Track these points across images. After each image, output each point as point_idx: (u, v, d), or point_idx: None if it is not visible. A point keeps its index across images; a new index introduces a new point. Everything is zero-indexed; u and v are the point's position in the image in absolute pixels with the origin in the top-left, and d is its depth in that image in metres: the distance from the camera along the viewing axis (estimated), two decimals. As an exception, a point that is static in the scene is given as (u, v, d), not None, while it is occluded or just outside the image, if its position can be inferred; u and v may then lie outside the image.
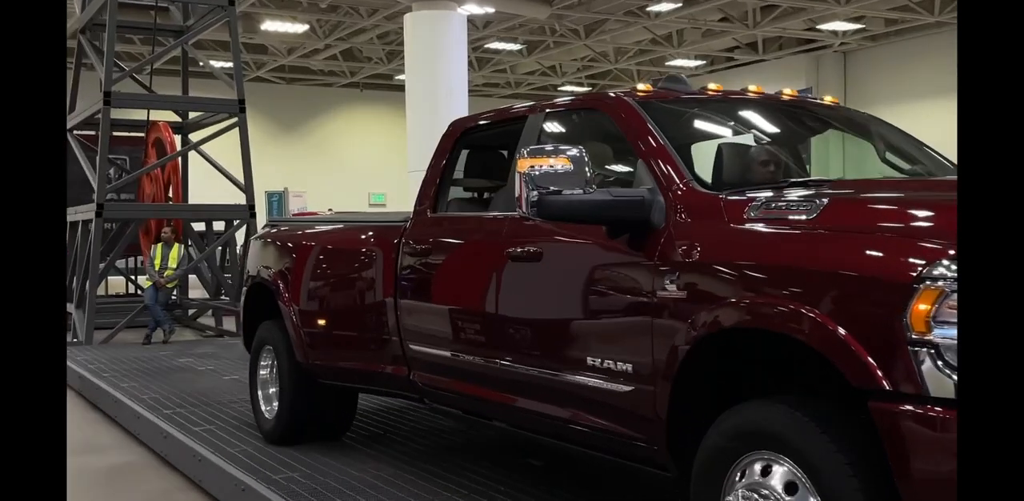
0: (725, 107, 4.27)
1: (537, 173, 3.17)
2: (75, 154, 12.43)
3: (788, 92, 4.35)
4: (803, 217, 2.80)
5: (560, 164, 3.17)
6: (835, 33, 23.96)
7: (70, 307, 11.96)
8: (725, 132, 4.16)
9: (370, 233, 4.99)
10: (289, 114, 29.74)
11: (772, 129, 4.30)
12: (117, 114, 11.50)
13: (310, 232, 5.65)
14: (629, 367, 3.19)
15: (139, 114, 12.91)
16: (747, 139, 4.07)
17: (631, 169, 3.73)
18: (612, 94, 3.93)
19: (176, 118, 13.22)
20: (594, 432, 3.43)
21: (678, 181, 3.28)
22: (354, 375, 5.03)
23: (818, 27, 23.25)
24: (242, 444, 5.57)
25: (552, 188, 3.17)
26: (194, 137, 13.04)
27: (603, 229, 3.34)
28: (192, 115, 13.12)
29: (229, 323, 12.60)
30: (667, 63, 27.87)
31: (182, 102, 12.97)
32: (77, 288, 11.80)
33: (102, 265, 11.61)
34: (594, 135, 4.10)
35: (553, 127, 4.14)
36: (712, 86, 4.22)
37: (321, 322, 5.12)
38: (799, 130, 4.36)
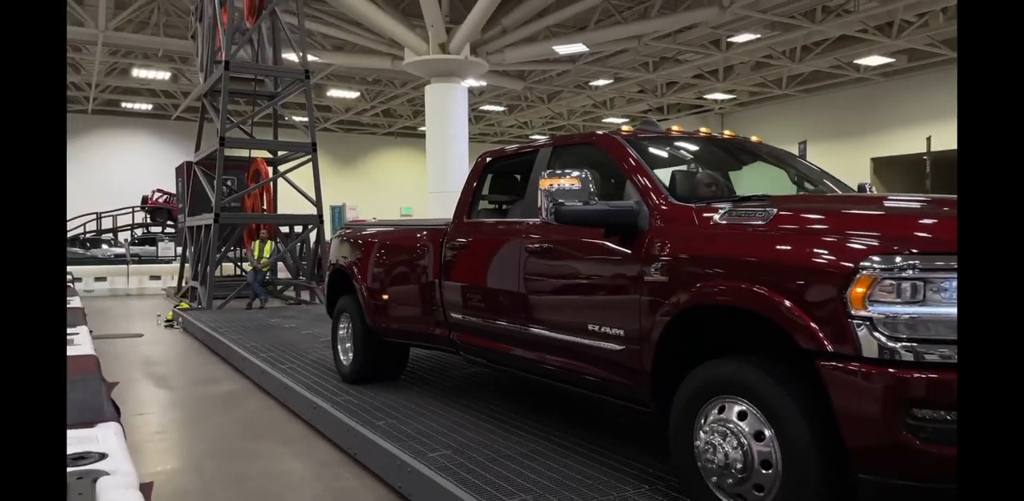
0: (683, 142, 3.99)
1: (555, 189, 3.01)
2: (200, 179, 12.25)
3: (727, 133, 4.12)
4: (759, 222, 2.56)
5: (570, 183, 3.00)
6: (716, 101, 24.04)
7: (195, 283, 11.76)
8: (683, 160, 3.87)
9: (422, 233, 4.67)
10: (345, 153, 29.46)
11: (716, 159, 4.04)
12: (228, 152, 11.25)
13: (376, 232, 5.28)
14: (621, 332, 2.99)
15: (243, 152, 12.74)
16: (696, 166, 3.84)
17: (617, 185, 3.48)
18: (602, 132, 3.66)
19: (269, 155, 12.93)
20: (590, 377, 3.23)
21: (658, 196, 3.05)
22: (409, 334, 4.79)
23: (704, 97, 23.33)
24: (315, 377, 5.45)
25: (564, 200, 3.00)
26: (281, 168, 12.80)
27: (601, 231, 3.12)
28: (280, 153, 12.87)
29: (304, 295, 12.45)
30: (603, 121, 27.73)
31: (273, 144, 12.69)
32: (201, 270, 11.49)
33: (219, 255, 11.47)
34: (589, 163, 3.82)
35: (559, 157, 3.90)
36: (675, 128, 3.99)
37: (385, 297, 4.87)
38: (735, 160, 4.09)
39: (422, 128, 24.10)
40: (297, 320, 9.13)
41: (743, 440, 2.41)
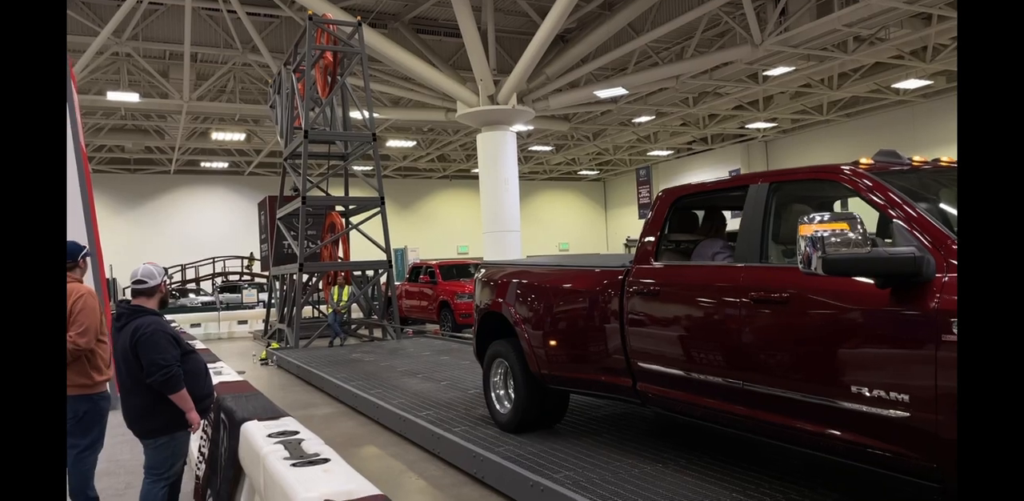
0: (931, 175, 3.38)
1: (823, 236, 2.64)
2: (282, 233, 13.83)
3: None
4: None
5: (839, 229, 2.64)
6: (758, 129, 24.64)
7: (282, 325, 13.18)
8: (941, 197, 3.22)
9: (598, 274, 4.28)
10: (404, 198, 31.02)
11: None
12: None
13: (542, 273, 4.84)
14: (906, 397, 2.60)
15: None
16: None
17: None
18: (847, 168, 3.16)
19: (342, 208, 14.28)
20: (849, 445, 2.84)
21: (946, 241, 2.65)
22: (580, 382, 4.41)
23: (747, 126, 24.00)
24: (399, 397, 6.51)
25: (833, 250, 2.63)
26: (354, 220, 13.96)
27: (871, 281, 2.73)
28: (350, 206, 14.14)
29: (377, 333, 13.60)
30: (648, 153, 28.57)
31: (348, 200, 13.87)
32: (287, 314, 12.88)
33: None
34: (817, 201, 3.40)
35: (779, 194, 3.42)
36: (917, 158, 3.41)
37: (553, 342, 4.51)
38: None
39: (475, 170, 25.59)
40: (374, 354, 10.36)
41: None
